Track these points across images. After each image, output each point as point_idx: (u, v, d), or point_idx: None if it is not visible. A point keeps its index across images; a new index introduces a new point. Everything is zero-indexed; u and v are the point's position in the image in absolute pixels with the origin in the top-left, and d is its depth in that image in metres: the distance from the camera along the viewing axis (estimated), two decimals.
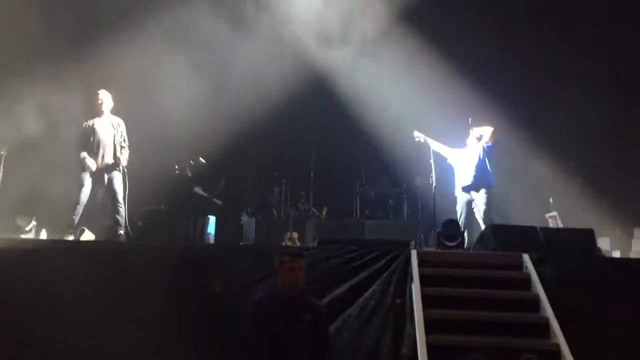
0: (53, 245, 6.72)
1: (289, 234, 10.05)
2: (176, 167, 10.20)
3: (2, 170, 8.00)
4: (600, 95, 10.83)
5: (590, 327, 5.57)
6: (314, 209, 11.05)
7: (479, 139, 8.50)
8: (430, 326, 5.34)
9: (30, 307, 5.83)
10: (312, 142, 11.28)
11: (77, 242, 7.13)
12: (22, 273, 5.98)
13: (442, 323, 5.51)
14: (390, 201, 10.96)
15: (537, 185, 10.86)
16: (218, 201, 9.71)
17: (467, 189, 8.42)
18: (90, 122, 7.53)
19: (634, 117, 10.73)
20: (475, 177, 8.38)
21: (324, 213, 11.15)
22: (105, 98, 7.55)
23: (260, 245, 9.13)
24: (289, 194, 11.15)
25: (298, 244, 9.70)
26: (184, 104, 9.88)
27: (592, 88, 10.84)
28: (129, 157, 7.60)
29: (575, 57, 10.88)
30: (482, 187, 8.35)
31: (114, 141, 7.47)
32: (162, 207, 9.77)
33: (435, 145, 8.66)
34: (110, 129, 7.50)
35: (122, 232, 7.46)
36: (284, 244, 9.70)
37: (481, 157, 8.42)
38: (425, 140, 8.70)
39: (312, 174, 11.11)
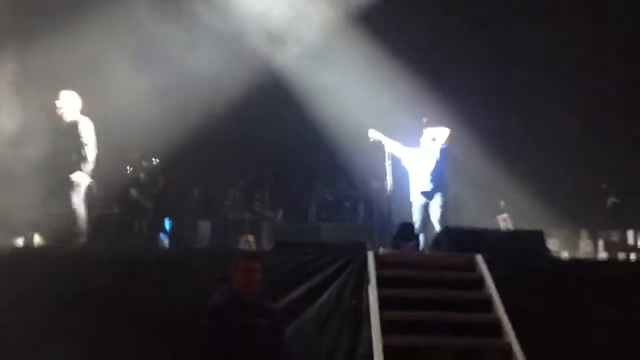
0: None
1: (244, 237, 10.00)
2: (128, 168, 10.01)
3: None
4: (552, 97, 11.12)
5: (541, 325, 5.72)
6: (269, 212, 11.00)
7: (434, 140, 8.52)
8: (387, 328, 5.36)
9: None
10: (267, 144, 11.24)
11: (28, 248, 6.92)
12: None
13: (398, 324, 5.53)
14: (346, 204, 11.00)
15: (489, 187, 11.08)
16: (149, 204, 9.52)
17: (425, 195, 8.41)
18: (53, 127, 7.12)
19: (583, 119, 11.06)
20: (432, 181, 8.38)
21: (279, 216, 11.11)
22: (64, 101, 7.05)
23: (216, 248, 9.04)
24: (244, 197, 11.07)
25: (254, 247, 9.65)
26: (136, 104, 9.70)
27: (544, 90, 11.13)
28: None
29: (530, 59, 11.15)
30: (438, 191, 8.40)
31: (68, 146, 6.96)
32: (115, 211, 9.60)
33: (390, 145, 8.62)
34: (65, 133, 7.02)
35: (81, 239, 7.04)
36: (239, 247, 9.65)
37: (438, 160, 8.41)
38: (380, 140, 8.67)
39: (268, 176, 11.07)
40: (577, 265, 7.25)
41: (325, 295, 5.99)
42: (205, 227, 10.42)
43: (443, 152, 8.45)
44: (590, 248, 10.09)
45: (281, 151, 11.43)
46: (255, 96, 10.95)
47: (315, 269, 6.13)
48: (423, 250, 7.44)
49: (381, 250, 7.50)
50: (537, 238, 7.03)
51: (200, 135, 10.64)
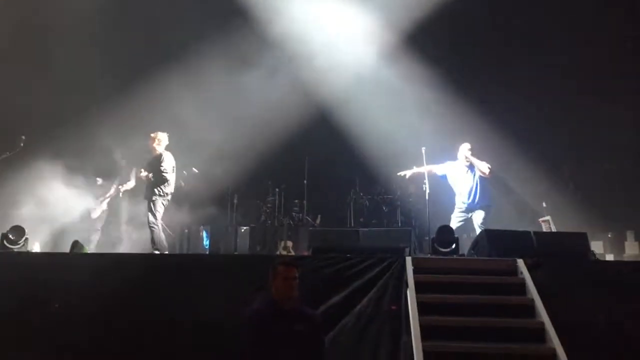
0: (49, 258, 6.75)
1: (283, 243, 10.07)
2: None
3: None
4: (592, 103, 10.88)
5: (586, 330, 5.59)
6: (308, 218, 11.04)
7: (470, 163, 8.70)
8: (426, 333, 5.34)
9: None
10: (305, 151, 11.29)
11: (72, 255, 7.13)
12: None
13: (437, 329, 5.50)
14: (384, 208, 10.96)
15: (531, 190, 10.89)
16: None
17: (468, 210, 8.66)
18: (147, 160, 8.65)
19: (624, 124, 10.78)
20: (475, 199, 8.63)
21: (318, 221, 11.14)
22: (155, 139, 8.51)
23: (255, 254, 9.13)
24: (283, 203, 11.16)
25: (292, 252, 9.71)
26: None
27: (584, 97, 10.91)
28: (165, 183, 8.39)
29: (569, 69, 10.96)
30: (481, 208, 8.58)
31: (152, 173, 8.34)
32: None
33: (425, 169, 8.75)
34: (151, 164, 8.47)
35: (155, 250, 8.08)
36: (278, 252, 9.71)
37: (478, 182, 8.65)
38: (414, 173, 8.91)
39: (305, 182, 11.12)
40: (622, 267, 7.03)
41: (364, 301, 5.98)
42: (244, 233, 10.55)
43: (483, 179, 8.69)
44: (637, 250, 9.80)
45: (319, 157, 11.44)
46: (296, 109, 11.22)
47: (354, 274, 6.14)
48: (462, 254, 7.34)
49: (420, 254, 7.46)
50: (580, 240, 6.88)
51: (242, 145, 10.89)
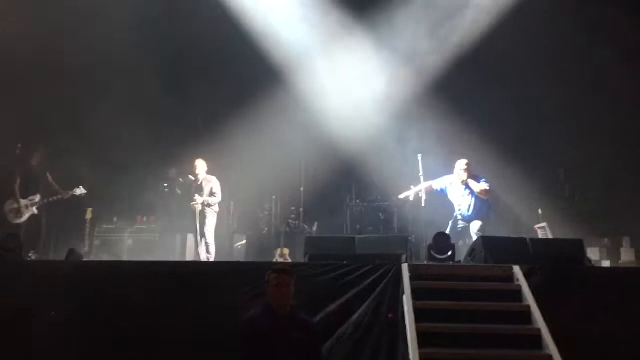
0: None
1: (279, 250, 10.07)
2: (165, 185, 10.23)
3: None
4: (589, 107, 10.91)
5: (582, 337, 5.60)
6: (304, 225, 11.03)
7: (465, 181, 8.64)
8: (423, 340, 5.33)
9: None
10: (301, 158, 11.29)
11: (67, 262, 7.11)
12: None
13: (434, 336, 5.49)
14: (380, 215, 10.95)
15: (526, 196, 10.91)
16: None
17: (466, 221, 8.66)
18: (191, 181, 9.60)
19: (621, 127, 10.82)
20: (474, 212, 8.63)
21: (314, 228, 11.14)
22: (199, 165, 9.56)
23: (250, 262, 9.13)
24: (279, 210, 11.15)
25: (289, 259, 9.70)
26: None
27: (579, 100, 10.94)
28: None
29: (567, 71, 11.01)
30: (479, 218, 8.58)
31: (203, 192, 9.34)
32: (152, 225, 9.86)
33: (423, 186, 8.77)
34: (201, 185, 9.41)
35: (210, 257, 9.14)
36: (274, 260, 9.71)
37: (477, 197, 8.61)
38: (415, 193, 8.86)
39: (302, 189, 11.12)
40: (618, 274, 7.05)
41: (362, 309, 5.98)
42: (240, 240, 10.55)
43: (479, 198, 8.65)
44: (633, 257, 9.81)
45: (315, 164, 11.46)
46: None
47: (350, 282, 6.14)
48: (459, 260, 7.34)
49: (416, 261, 7.45)
50: (577, 247, 6.87)
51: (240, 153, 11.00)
